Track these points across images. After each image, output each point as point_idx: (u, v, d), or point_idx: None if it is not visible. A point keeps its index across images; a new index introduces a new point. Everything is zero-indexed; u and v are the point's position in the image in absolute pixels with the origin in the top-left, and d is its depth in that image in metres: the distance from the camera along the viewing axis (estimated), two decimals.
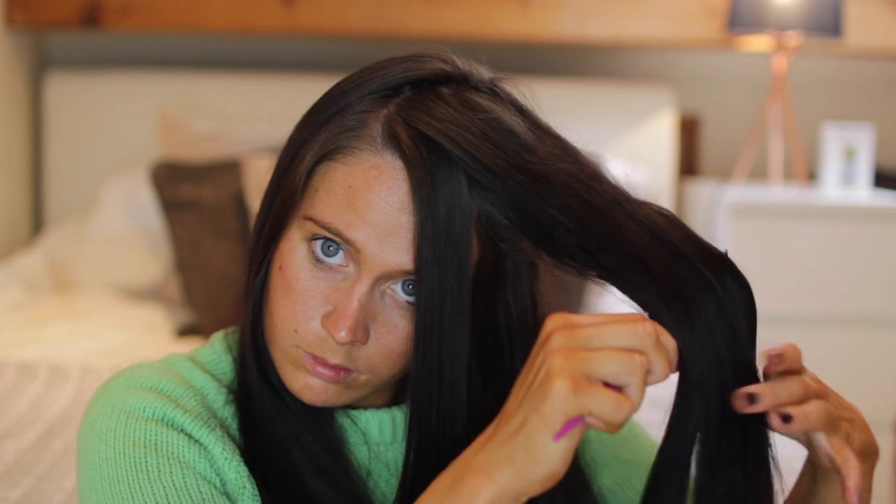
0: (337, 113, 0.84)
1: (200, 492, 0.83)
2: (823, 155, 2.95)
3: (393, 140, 0.81)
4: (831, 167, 2.94)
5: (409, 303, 0.83)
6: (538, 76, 3.13)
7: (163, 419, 0.85)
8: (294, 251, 0.84)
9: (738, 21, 2.83)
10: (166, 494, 0.82)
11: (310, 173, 0.83)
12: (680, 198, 3.15)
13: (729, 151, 3.20)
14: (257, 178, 2.38)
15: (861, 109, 3.24)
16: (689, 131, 3.20)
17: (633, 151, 2.99)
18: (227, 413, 0.89)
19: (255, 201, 2.36)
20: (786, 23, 2.79)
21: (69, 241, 2.69)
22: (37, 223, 3.04)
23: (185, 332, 2.34)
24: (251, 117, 2.90)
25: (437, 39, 3.01)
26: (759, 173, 3.15)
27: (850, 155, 2.94)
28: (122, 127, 2.93)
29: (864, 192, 2.93)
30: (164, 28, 2.93)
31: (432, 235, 0.78)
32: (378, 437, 0.92)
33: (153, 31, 2.96)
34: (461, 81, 0.85)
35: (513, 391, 0.72)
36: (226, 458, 0.86)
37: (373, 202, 0.80)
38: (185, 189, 2.44)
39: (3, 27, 2.83)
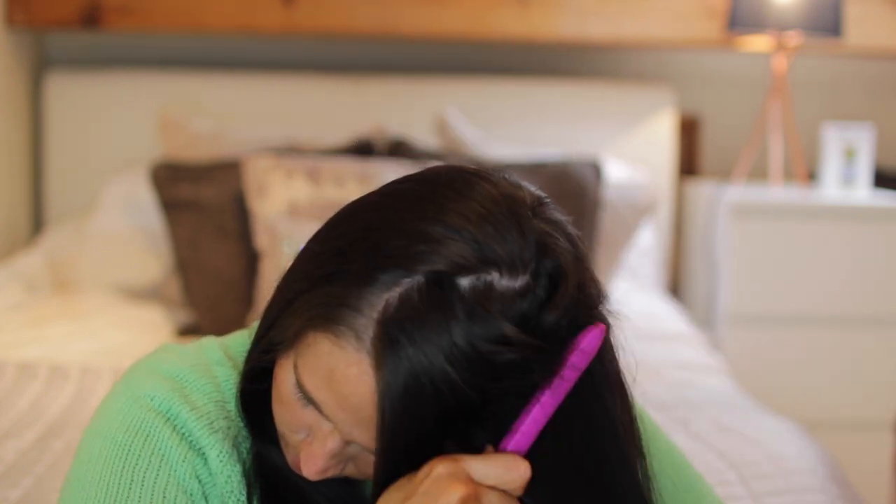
0: (340, 276, 0.79)
1: (165, 496, 0.85)
2: (823, 155, 2.95)
3: (380, 349, 0.77)
4: (831, 167, 2.94)
5: None
6: (538, 76, 3.13)
7: (166, 413, 0.88)
8: (286, 378, 0.84)
9: (738, 21, 2.82)
10: (130, 485, 0.85)
11: (303, 328, 0.81)
12: (680, 198, 3.15)
13: (729, 151, 3.20)
14: (257, 178, 2.38)
15: (861, 109, 3.24)
16: (689, 131, 3.20)
17: (633, 151, 2.99)
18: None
19: (255, 201, 2.36)
20: (786, 23, 2.79)
21: (69, 241, 2.69)
22: (37, 223, 3.04)
23: (185, 332, 2.34)
24: (251, 117, 2.90)
25: (437, 39, 3.01)
26: (759, 173, 3.15)
27: (850, 155, 2.94)
28: (122, 127, 2.93)
29: (864, 192, 2.93)
30: (164, 28, 2.93)
31: (393, 462, 0.79)
32: None
33: (153, 31, 2.95)
34: (487, 268, 0.77)
35: None
36: (221, 461, 0.88)
37: (348, 396, 0.79)
38: (184, 189, 2.44)
39: (3, 27, 2.83)
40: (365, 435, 0.80)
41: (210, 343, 0.95)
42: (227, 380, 0.92)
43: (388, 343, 0.76)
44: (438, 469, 0.76)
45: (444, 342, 0.75)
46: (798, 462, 1.60)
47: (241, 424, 0.90)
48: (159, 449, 0.86)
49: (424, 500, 0.75)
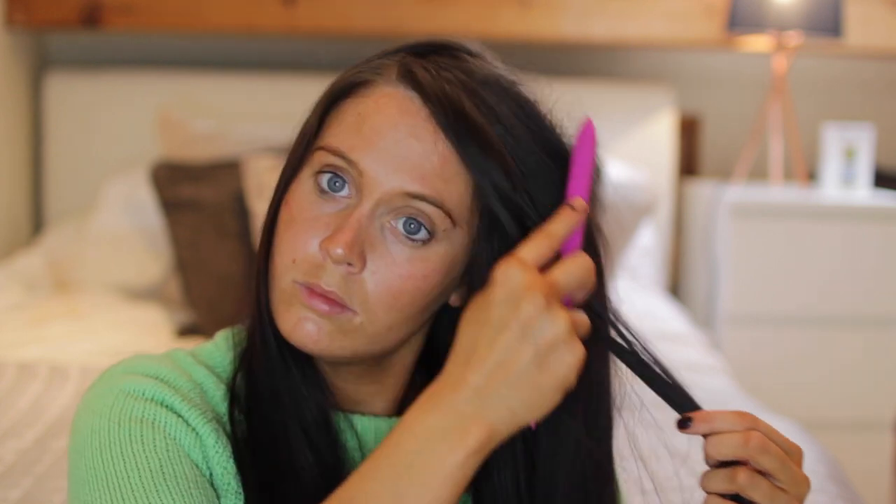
0: (351, 70, 0.87)
1: (192, 473, 0.82)
2: (823, 155, 2.95)
3: (409, 74, 0.83)
4: (831, 167, 2.94)
5: (411, 239, 0.82)
6: (538, 76, 3.13)
7: (161, 402, 0.84)
8: (301, 185, 0.85)
9: (738, 21, 2.83)
10: (161, 466, 0.81)
11: (323, 114, 0.86)
12: (680, 198, 3.15)
13: (729, 151, 3.20)
14: (257, 178, 2.38)
15: (861, 109, 3.24)
16: (689, 131, 3.20)
17: (633, 151, 2.99)
18: (223, 409, 0.88)
19: (255, 201, 2.36)
20: (786, 23, 2.79)
21: (69, 241, 2.69)
22: (37, 223, 3.04)
23: (185, 332, 2.34)
24: (251, 117, 2.90)
25: None
26: (759, 173, 3.15)
27: (850, 155, 2.94)
28: (122, 127, 2.93)
29: (864, 192, 2.93)
30: (164, 28, 2.93)
31: (476, 168, 0.81)
32: (374, 445, 0.89)
33: (153, 31, 2.95)
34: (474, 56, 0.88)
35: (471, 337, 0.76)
36: (217, 452, 0.85)
37: (380, 126, 0.82)
38: (185, 189, 2.44)
39: (3, 27, 2.83)
40: (400, 173, 0.81)
41: (175, 351, 0.92)
42: (205, 380, 0.89)
43: (413, 71, 0.83)
44: (513, 277, 0.75)
45: (463, 68, 0.84)
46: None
47: (223, 420, 0.87)
48: (170, 433, 0.83)
49: (505, 309, 0.74)
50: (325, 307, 0.82)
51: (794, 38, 2.85)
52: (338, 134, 0.84)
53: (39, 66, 3.04)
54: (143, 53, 3.09)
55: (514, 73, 0.89)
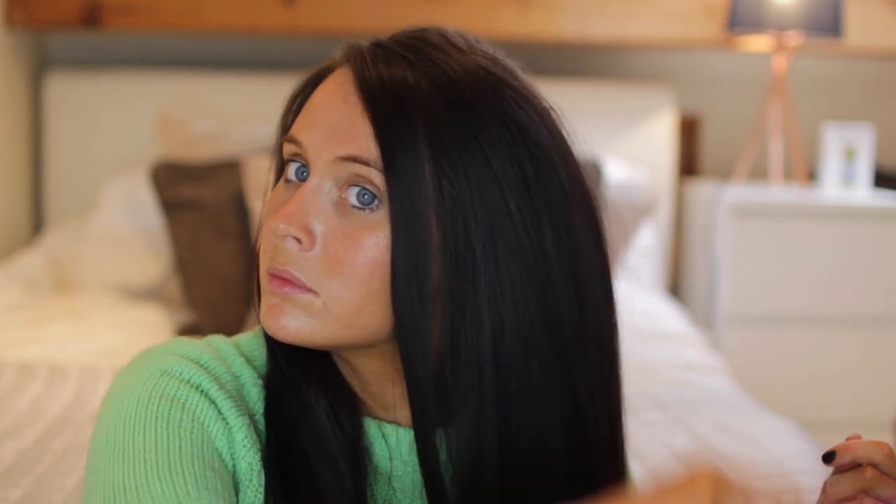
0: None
1: (212, 459, 0.81)
2: (823, 155, 2.95)
3: (348, 51, 0.85)
4: (831, 167, 2.94)
5: (362, 209, 0.81)
6: (538, 76, 3.12)
7: (197, 386, 0.83)
8: (276, 188, 0.86)
9: (738, 21, 2.83)
10: (180, 446, 0.79)
11: (294, 116, 0.87)
12: (680, 198, 3.15)
13: (729, 151, 3.20)
14: (257, 178, 2.38)
15: (861, 109, 3.24)
16: (689, 131, 3.20)
17: (633, 151, 2.99)
18: (259, 409, 0.87)
19: (255, 201, 2.36)
20: (786, 23, 2.79)
21: (69, 241, 2.69)
22: (37, 223, 3.04)
23: (185, 332, 2.34)
24: (251, 117, 2.89)
25: None
26: (759, 173, 3.15)
27: (850, 155, 2.94)
28: (122, 127, 2.93)
29: (864, 192, 2.93)
30: (164, 28, 2.93)
31: (385, 121, 0.80)
32: (407, 456, 0.88)
33: (153, 31, 2.96)
34: None
35: None
36: (245, 447, 0.83)
37: (318, 102, 0.83)
38: (185, 189, 2.44)
39: (3, 27, 2.83)
40: (334, 140, 0.81)
41: (219, 339, 0.91)
42: (243, 371, 0.88)
43: (352, 47, 0.85)
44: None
45: (419, 41, 0.88)
46: (798, 462, 1.60)
47: (257, 418, 0.86)
48: (199, 418, 0.82)
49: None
50: (282, 289, 0.81)
51: (794, 38, 2.85)
52: (295, 127, 0.85)
53: (39, 66, 3.04)
54: (143, 53, 3.09)
55: (503, 60, 0.91)
